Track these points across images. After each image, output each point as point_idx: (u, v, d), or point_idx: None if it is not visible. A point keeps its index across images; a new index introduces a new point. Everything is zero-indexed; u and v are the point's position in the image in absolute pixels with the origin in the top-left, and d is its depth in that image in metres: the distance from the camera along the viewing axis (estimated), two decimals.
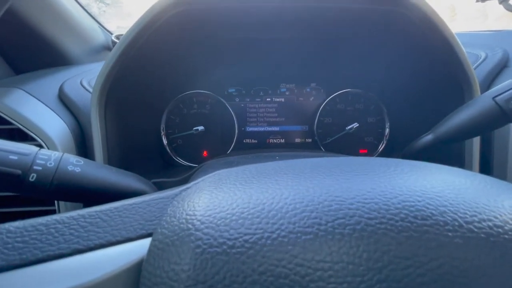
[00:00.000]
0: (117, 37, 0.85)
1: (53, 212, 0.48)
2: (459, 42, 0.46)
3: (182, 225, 0.15)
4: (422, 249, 0.13)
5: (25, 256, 0.15)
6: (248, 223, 0.14)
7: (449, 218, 0.14)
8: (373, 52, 0.61)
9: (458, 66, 0.47)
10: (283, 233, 0.14)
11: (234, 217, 0.15)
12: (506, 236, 0.14)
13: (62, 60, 0.68)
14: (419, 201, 0.15)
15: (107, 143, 0.50)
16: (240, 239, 0.14)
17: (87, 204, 0.21)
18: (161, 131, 0.70)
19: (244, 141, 0.74)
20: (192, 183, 0.21)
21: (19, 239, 0.16)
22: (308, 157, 0.22)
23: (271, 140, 0.75)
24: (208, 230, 0.14)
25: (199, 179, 0.21)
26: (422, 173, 0.19)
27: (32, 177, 0.28)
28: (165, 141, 0.70)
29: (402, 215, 0.15)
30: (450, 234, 0.14)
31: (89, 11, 0.79)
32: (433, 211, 0.15)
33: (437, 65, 0.51)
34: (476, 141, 0.49)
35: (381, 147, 0.73)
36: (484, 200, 0.16)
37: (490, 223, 0.14)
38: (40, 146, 0.38)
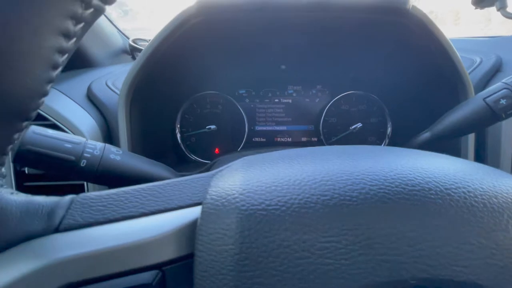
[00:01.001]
0: (134, 41, 0.90)
1: None
2: (454, 48, 0.51)
3: (228, 192, 0.20)
4: (410, 205, 0.18)
5: (106, 216, 0.20)
6: (279, 189, 0.19)
7: (433, 185, 0.19)
8: (376, 57, 0.66)
9: (453, 69, 0.52)
10: (307, 195, 0.18)
11: (267, 185, 0.19)
12: (476, 199, 0.19)
13: (87, 62, 0.74)
14: (410, 174, 0.20)
15: (131, 139, 0.55)
16: (275, 200, 0.18)
17: None
18: (176, 129, 0.75)
19: (254, 139, 0.79)
20: (224, 166, 0.26)
21: (99, 203, 0.21)
22: None
23: (278, 139, 0.79)
24: (249, 194, 0.19)
25: (228, 164, 0.26)
26: (414, 156, 0.23)
27: (83, 163, 0.33)
28: (179, 139, 0.75)
29: (396, 183, 0.19)
30: (432, 196, 0.18)
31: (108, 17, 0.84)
32: (421, 181, 0.19)
33: (435, 69, 0.56)
34: (471, 137, 0.53)
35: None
36: (461, 175, 0.20)
37: (464, 190, 0.19)
38: None
